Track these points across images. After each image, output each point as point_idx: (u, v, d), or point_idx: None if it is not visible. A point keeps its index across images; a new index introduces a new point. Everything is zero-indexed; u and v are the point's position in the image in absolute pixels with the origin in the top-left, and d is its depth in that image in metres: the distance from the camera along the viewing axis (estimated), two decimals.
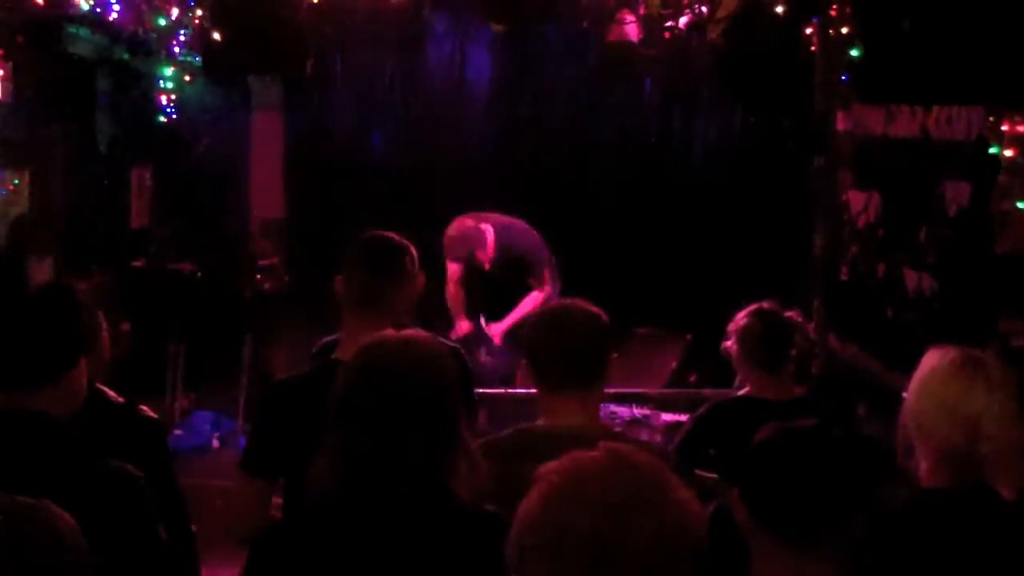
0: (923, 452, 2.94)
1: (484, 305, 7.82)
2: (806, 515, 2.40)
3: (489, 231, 7.51)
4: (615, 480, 1.73)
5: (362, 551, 2.54)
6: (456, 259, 7.72)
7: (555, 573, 1.69)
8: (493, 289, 7.71)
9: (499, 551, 1.77)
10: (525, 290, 7.69)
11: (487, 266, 7.53)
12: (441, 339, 3.53)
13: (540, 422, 3.40)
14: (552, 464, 1.79)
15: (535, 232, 7.72)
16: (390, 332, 2.78)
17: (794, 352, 4.55)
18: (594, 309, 3.41)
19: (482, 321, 7.75)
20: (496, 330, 7.68)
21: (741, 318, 4.57)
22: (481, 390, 5.75)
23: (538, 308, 7.57)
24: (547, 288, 7.64)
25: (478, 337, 7.71)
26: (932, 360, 2.97)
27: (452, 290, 7.81)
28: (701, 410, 4.70)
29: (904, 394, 3.03)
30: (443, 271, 7.68)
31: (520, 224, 7.72)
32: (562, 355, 3.35)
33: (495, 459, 2.87)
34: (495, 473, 2.72)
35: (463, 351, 4.12)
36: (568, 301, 3.49)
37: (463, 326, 7.76)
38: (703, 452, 4.43)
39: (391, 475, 2.56)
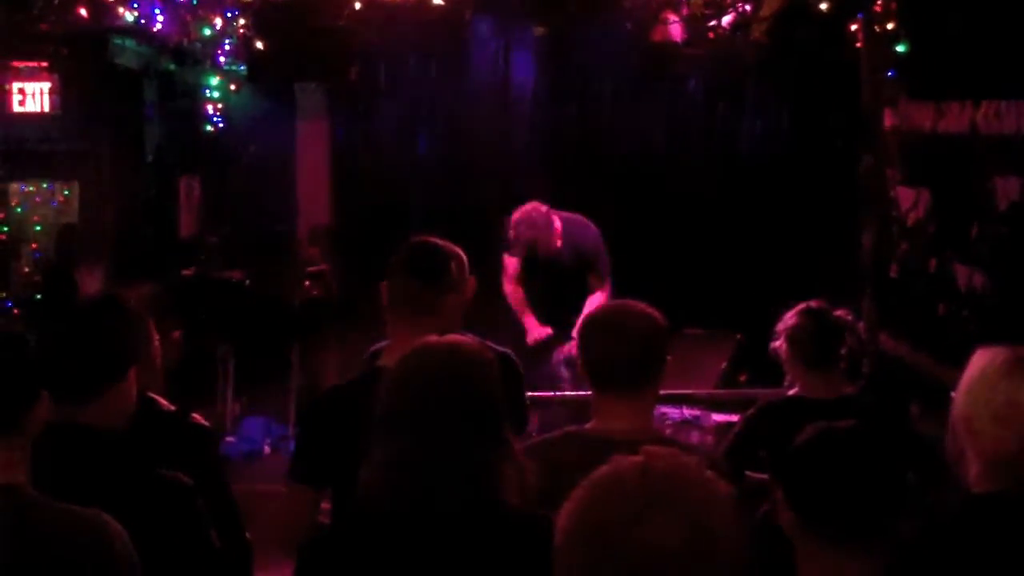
0: (973, 456, 2.86)
1: (544, 304, 7.72)
2: (849, 513, 2.42)
3: (557, 220, 7.40)
4: (642, 490, 1.71)
5: (410, 558, 2.54)
6: (517, 249, 7.53)
7: None
8: (554, 287, 7.61)
9: (548, 555, 1.76)
10: (583, 288, 7.56)
11: (557, 244, 7.32)
12: (489, 344, 3.53)
13: (590, 425, 3.39)
14: (595, 472, 1.78)
15: (595, 228, 7.61)
16: (432, 338, 2.77)
17: (844, 351, 4.51)
18: (651, 311, 3.37)
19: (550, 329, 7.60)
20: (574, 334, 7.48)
21: (790, 318, 4.53)
22: (532, 393, 5.74)
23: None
24: (608, 286, 7.56)
25: (556, 340, 7.54)
26: (981, 361, 2.89)
27: (510, 288, 7.65)
28: (751, 411, 4.67)
29: (953, 395, 2.97)
30: (494, 276, 7.59)
31: (581, 219, 7.59)
32: (616, 357, 3.31)
33: (542, 461, 2.86)
34: (542, 476, 2.71)
35: (512, 355, 4.09)
36: (625, 302, 3.45)
37: (540, 330, 7.57)
38: (753, 453, 4.41)
39: (437, 481, 2.55)
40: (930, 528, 2.79)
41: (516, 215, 7.37)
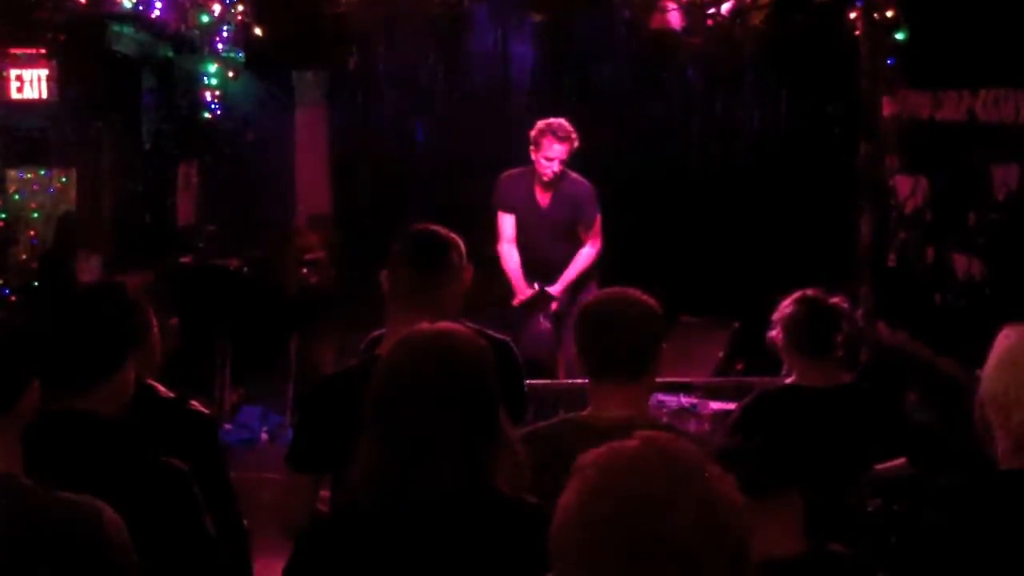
0: (1002, 434, 2.84)
1: (534, 257, 7.73)
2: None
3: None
4: (651, 471, 1.71)
5: (403, 545, 2.54)
6: (506, 202, 7.70)
7: (593, 569, 1.68)
8: (544, 240, 7.66)
9: (541, 543, 1.76)
10: (573, 243, 7.68)
11: (562, 164, 7.46)
12: (486, 331, 3.53)
13: (586, 412, 3.39)
14: (588, 457, 1.77)
15: (591, 185, 7.72)
16: (424, 326, 2.77)
17: (840, 339, 4.51)
18: (646, 298, 3.38)
19: (536, 286, 7.63)
20: (554, 291, 7.56)
21: (785, 306, 4.52)
22: (531, 381, 5.74)
23: (590, 265, 7.65)
24: (598, 243, 7.63)
25: (541, 300, 7.63)
26: (1009, 339, 2.87)
27: (505, 251, 7.73)
28: (747, 400, 4.67)
29: (979, 373, 2.96)
30: (492, 264, 7.60)
31: (579, 176, 7.71)
32: (610, 345, 3.32)
33: (538, 449, 2.86)
34: (537, 463, 2.71)
35: (512, 343, 4.10)
36: (620, 290, 3.46)
37: (526, 291, 7.64)
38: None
39: (429, 468, 2.55)
40: (959, 505, 2.79)
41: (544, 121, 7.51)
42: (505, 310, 7.54)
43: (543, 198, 7.64)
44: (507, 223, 7.73)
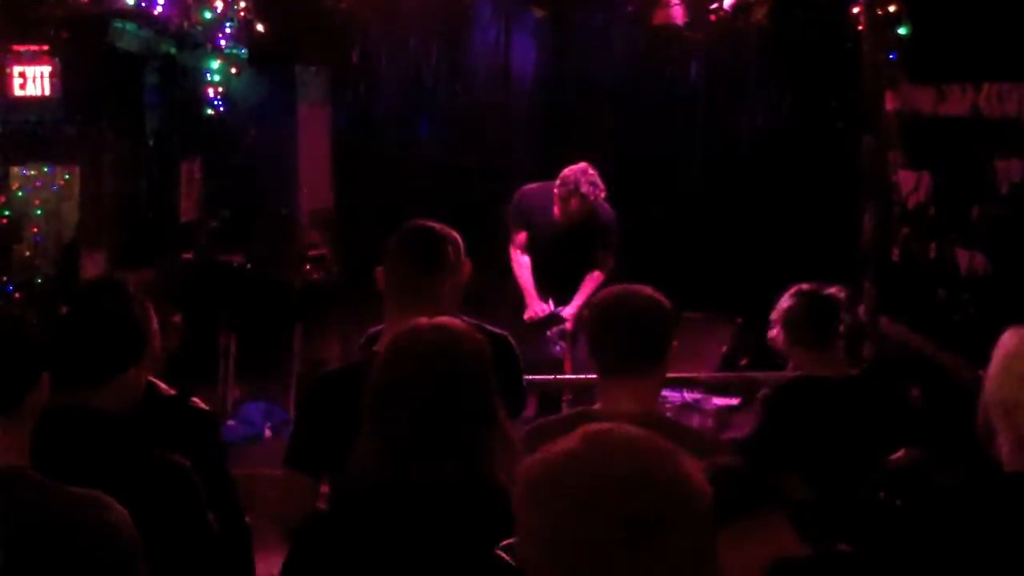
0: (1005, 435, 2.81)
1: (543, 276, 7.60)
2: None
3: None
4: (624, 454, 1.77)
5: (401, 538, 2.54)
6: (519, 220, 7.51)
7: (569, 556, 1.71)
8: (556, 260, 7.50)
9: None
10: (584, 264, 7.53)
11: (584, 210, 7.21)
12: (484, 325, 3.54)
13: (596, 407, 3.40)
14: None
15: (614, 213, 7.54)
16: (422, 320, 2.78)
17: (842, 328, 4.47)
18: (657, 295, 3.39)
19: (551, 304, 7.52)
20: (566, 313, 7.42)
21: (783, 302, 4.48)
22: (531, 376, 5.72)
23: (598, 288, 7.46)
24: (610, 263, 7.52)
25: (553, 319, 7.47)
26: (1012, 340, 2.85)
27: (517, 258, 7.57)
28: (768, 393, 4.51)
29: (982, 373, 2.94)
30: (493, 259, 7.56)
31: (605, 205, 7.48)
32: (620, 340, 3.33)
33: (547, 442, 2.86)
34: None
35: (510, 338, 4.08)
36: (631, 286, 3.47)
37: (539, 306, 7.50)
38: (783, 438, 4.28)
39: (427, 460, 2.56)
40: (961, 507, 2.78)
41: (572, 169, 7.22)
42: (518, 321, 7.40)
43: (563, 218, 7.40)
44: (520, 235, 7.58)
